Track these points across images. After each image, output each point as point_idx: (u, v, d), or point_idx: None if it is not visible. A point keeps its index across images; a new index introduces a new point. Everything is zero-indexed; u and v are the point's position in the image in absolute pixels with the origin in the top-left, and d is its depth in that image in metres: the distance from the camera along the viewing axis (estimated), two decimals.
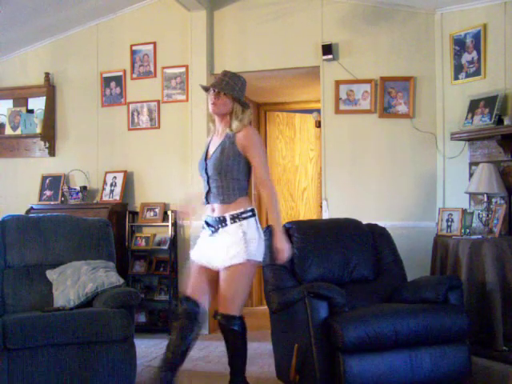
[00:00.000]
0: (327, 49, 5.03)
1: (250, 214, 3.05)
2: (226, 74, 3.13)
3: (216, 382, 3.84)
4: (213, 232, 3.09)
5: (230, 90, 3.05)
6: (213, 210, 3.10)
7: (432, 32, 4.94)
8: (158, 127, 5.52)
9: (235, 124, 3.06)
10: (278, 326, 3.67)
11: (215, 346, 4.76)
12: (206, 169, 3.11)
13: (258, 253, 3.03)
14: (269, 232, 3.22)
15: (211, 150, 3.14)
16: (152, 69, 5.56)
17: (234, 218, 3.02)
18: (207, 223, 3.14)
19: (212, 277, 3.12)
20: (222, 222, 3.05)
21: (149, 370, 4.08)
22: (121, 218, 5.40)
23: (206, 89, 3.17)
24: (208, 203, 3.13)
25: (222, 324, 3.07)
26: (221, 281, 3.05)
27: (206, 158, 3.16)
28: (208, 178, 3.10)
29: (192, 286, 3.17)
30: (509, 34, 4.42)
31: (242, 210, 3.04)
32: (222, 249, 3.03)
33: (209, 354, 4.53)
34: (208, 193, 3.12)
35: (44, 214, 4.45)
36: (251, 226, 3.03)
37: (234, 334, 3.06)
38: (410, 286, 3.84)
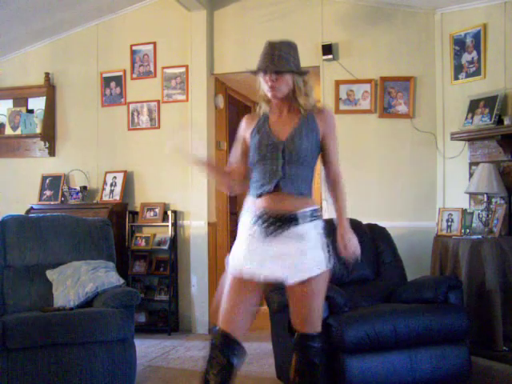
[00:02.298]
0: (327, 49, 5.03)
1: (320, 212, 2.57)
2: (273, 45, 2.50)
3: None
4: (272, 232, 2.45)
5: (287, 64, 2.48)
6: (275, 204, 2.46)
7: (432, 32, 4.94)
8: (158, 127, 5.52)
9: (304, 100, 2.55)
10: (278, 326, 3.67)
11: None
12: (283, 151, 2.48)
13: (330, 258, 2.52)
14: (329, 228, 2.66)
15: (284, 130, 2.53)
16: (152, 69, 5.55)
17: (309, 216, 2.47)
18: (268, 219, 2.47)
19: (253, 297, 2.51)
20: (292, 219, 2.44)
21: (149, 370, 4.09)
22: (121, 218, 5.40)
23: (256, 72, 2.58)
24: (275, 192, 2.47)
25: (305, 345, 2.51)
26: (299, 296, 2.47)
27: (269, 133, 2.54)
28: (284, 162, 2.47)
29: (230, 316, 2.49)
30: (509, 34, 4.42)
31: (316, 207, 2.52)
32: (295, 256, 2.43)
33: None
34: (280, 180, 2.46)
35: (44, 214, 4.45)
36: (323, 227, 2.53)
37: (316, 351, 2.53)
38: (410, 286, 3.84)
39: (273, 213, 2.46)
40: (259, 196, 2.49)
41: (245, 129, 2.66)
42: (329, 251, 2.50)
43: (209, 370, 2.44)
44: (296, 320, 2.54)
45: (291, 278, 2.43)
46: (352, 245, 2.52)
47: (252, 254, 2.46)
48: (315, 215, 2.50)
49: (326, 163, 2.61)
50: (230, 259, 2.54)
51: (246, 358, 2.52)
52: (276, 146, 2.49)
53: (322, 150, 2.57)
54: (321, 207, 2.55)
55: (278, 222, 2.45)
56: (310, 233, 2.45)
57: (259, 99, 2.64)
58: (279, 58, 2.46)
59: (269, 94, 2.54)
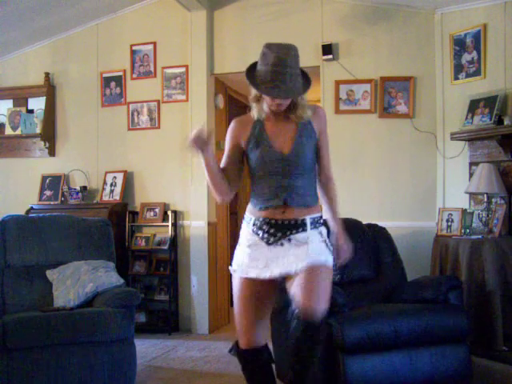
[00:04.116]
0: (327, 49, 5.03)
1: (323, 219, 2.51)
2: (284, 62, 2.30)
3: (216, 382, 3.84)
4: (278, 238, 2.40)
5: (299, 85, 2.37)
6: (283, 212, 2.41)
7: (432, 32, 4.94)
8: (158, 127, 5.52)
9: (302, 111, 2.43)
10: (278, 326, 3.67)
11: (215, 345, 4.77)
12: (288, 162, 2.40)
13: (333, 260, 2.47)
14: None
15: (284, 139, 2.43)
16: (152, 69, 5.55)
17: (315, 223, 2.44)
18: (274, 226, 2.41)
19: (263, 292, 2.46)
20: (299, 226, 2.40)
21: (149, 370, 4.09)
22: (121, 218, 5.40)
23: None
24: (284, 204, 2.41)
25: (308, 318, 2.28)
26: (303, 277, 2.32)
27: (270, 148, 2.43)
28: (288, 173, 2.41)
29: (247, 329, 2.47)
30: (509, 34, 4.42)
31: (320, 214, 2.48)
32: (302, 253, 2.37)
33: (209, 354, 4.53)
34: (285, 192, 2.40)
35: (44, 213, 4.44)
36: (326, 234, 2.50)
37: (319, 327, 2.32)
38: (410, 285, 3.84)
39: (276, 221, 2.40)
40: (265, 209, 2.43)
41: (237, 135, 2.51)
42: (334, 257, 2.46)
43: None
44: (301, 295, 2.30)
45: (296, 267, 2.34)
46: (347, 247, 2.51)
47: (255, 261, 2.41)
48: (320, 222, 2.46)
49: (319, 160, 2.53)
50: (234, 267, 2.49)
51: (271, 354, 2.59)
52: (280, 161, 2.41)
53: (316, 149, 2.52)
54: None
55: (282, 230, 2.39)
56: (315, 238, 2.40)
57: (251, 101, 2.48)
58: (290, 77, 2.31)
59: (272, 108, 2.42)
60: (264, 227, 2.41)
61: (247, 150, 2.48)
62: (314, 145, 2.47)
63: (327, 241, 2.45)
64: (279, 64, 2.30)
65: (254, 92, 2.45)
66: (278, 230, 2.40)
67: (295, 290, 2.34)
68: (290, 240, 2.39)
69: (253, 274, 2.40)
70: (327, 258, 2.40)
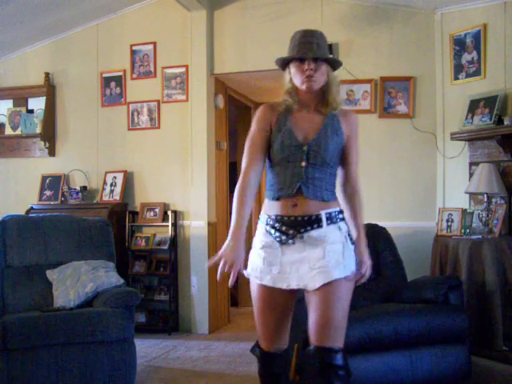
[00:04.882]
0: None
1: (343, 215, 2.35)
2: (311, 33, 2.33)
3: (216, 382, 3.84)
4: (291, 236, 2.26)
5: (325, 53, 2.31)
6: (294, 207, 2.27)
7: (432, 32, 4.94)
8: (158, 127, 5.52)
9: (333, 98, 2.34)
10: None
11: (215, 346, 4.77)
12: (307, 153, 2.29)
13: (356, 263, 2.30)
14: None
15: (308, 130, 2.33)
16: (152, 69, 5.55)
17: (331, 218, 2.27)
18: (286, 223, 2.28)
19: (283, 303, 2.35)
20: (314, 222, 2.25)
21: (149, 370, 4.09)
22: (121, 218, 5.40)
23: (283, 61, 2.37)
24: (295, 196, 2.28)
25: (322, 361, 2.18)
26: (317, 303, 2.21)
27: (291, 133, 2.32)
28: (308, 164, 2.29)
29: (266, 337, 2.40)
30: (509, 34, 4.42)
31: (338, 209, 2.32)
32: (316, 259, 2.22)
33: (209, 354, 4.53)
34: (301, 184, 2.27)
35: (44, 213, 4.45)
36: (347, 230, 2.33)
37: (339, 375, 2.19)
38: (410, 286, 3.84)
39: (289, 218, 2.26)
40: (277, 199, 2.30)
41: (268, 117, 2.38)
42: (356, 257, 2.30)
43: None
44: (313, 329, 2.21)
45: (312, 283, 2.20)
46: (368, 268, 2.32)
47: (269, 266, 2.28)
48: (339, 217, 2.30)
49: (346, 168, 2.40)
50: (249, 270, 2.37)
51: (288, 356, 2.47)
52: (300, 147, 2.29)
53: (343, 154, 2.37)
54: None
55: (294, 227, 2.25)
56: (332, 235, 2.25)
57: (284, 94, 2.38)
58: (318, 46, 2.28)
59: (303, 86, 2.30)
60: (276, 225, 2.28)
61: (272, 134, 2.37)
62: (340, 144, 2.34)
63: (347, 238, 2.28)
64: (306, 35, 2.32)
65: (287, 85, 2.38)
66: (291, 227, 2.25)
67: (310, 321, 2.23)
68: (303, 238, 2.24)
69: (268, 282, 2.28)
70: (346, 268, 2.23)
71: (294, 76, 2.33)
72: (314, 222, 2.25)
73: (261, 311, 2.36)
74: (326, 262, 2.20)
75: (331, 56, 2.31)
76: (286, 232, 2.27)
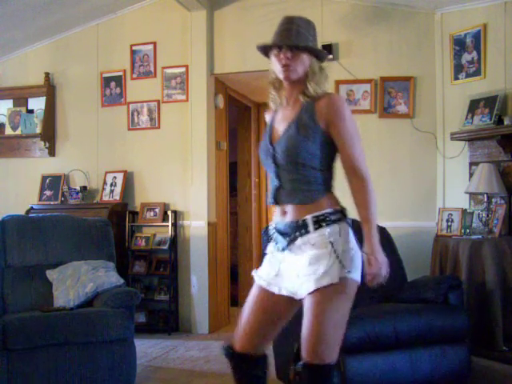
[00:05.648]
0: (327, 49, 5.01)
1: (338, 215, 2.14)
2: (290, 19, 2.24)
3: (216, 382, 3.84)
4: (287, 244, 2.16)
5: (305, 40, 2.16)
6: (284, 213, 2.17)
7: (432, 32, 4.94)
8: (158, 127, 5.52)
9: (312, 87, 2.15)
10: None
11: (215, 346, 4.76)
12: (273, 156, 2.17)
13: (354, 269, 2.09)
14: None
15: (279, 129, 2.20)
16: (152, 69, 5.55)
17: (319, 222, 2.10)
18: (278, 231, 2.20)
19: (276, 309, 2.21)
20: (300, 227, 2.12)
21: (149, 370, 4.09)
22: (121, 218, 5.40)
23: (265, 49, 2.30)
24: (277, 203, 2.19)
25: (309, 378, 2.04)
26: (304, 314, 2.07)
27: (271, 141, 2.21)
28: (277, 168, 2.17)
29: (246, 334, 2.24)
30: (509, 34, 4.42)
31: (328, 211, 2.12)
32: (303, 267, 2.09)
33: (209, 354, 4.53)
34: (278, 189, 2.18)
35: (44, 214, 4.45)
36: (343, 233, 2.11)
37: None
38: (410, 286, 3.84)
39: (281, 224, 2.18)
40: (274, 206, 2.22)
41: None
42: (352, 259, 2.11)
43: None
44: (302, 343, 2.06)
45: (300, 291, 2.09)
46: (376, 262, 2.10)
47: (269, 267, 2.23)
48: (329, 219, 2.10)
49: (340, 157, 2.18)
50: (256, 273, 2.30)
51: (268, 364, 2.30)
52: (267, 152, 2.19)
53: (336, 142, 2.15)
54: (343, 209, 2.22)
55: (284, 234, 2.16)
56: (320, 240, 2.08)
57: (269, 86, 2.27)
58: (297, 33, 2.15)
59: (281, 76, 2.18)
60: (274, 234, 2.23)
61: None
62: (318, 132, 2.11)
63: (336, 243, 2.07)
64: (285, 22, 2.24)
65: (270, 75, 2.27)
66: (283, 235, 2.17)
67: (302, 336, 2.07)
68: (293, 245, 2.14)
69: (263, 283, 2.21)
70: (334, 273, 2.04)
71: (274, 65, 2.23)
72: (301, 227, 2.11)
73: (249, 307, 2.24)
74: (312, 269, 2.05)
75: (311, 45, 2.16)
76: (279, 240, 2.19)
